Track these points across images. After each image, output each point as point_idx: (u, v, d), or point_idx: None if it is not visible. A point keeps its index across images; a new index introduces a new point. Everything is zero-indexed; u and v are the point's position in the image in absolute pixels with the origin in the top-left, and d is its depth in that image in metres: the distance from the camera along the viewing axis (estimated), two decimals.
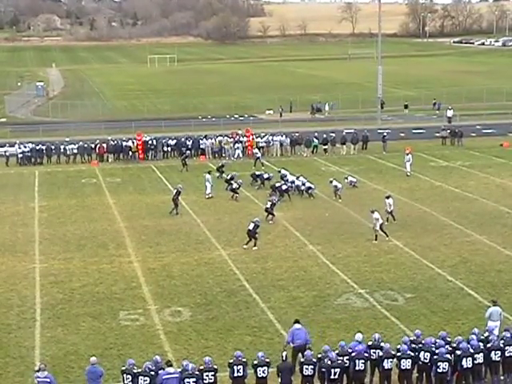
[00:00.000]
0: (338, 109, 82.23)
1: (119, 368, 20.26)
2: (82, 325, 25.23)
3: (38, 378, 19.26)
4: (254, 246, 32.93)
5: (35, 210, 41.00)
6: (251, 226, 32.98)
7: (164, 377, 19.20)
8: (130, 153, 55.16)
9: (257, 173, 46.15)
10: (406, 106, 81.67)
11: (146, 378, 19.22)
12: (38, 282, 29.50)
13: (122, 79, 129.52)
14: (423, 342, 20.65)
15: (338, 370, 19.74)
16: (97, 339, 24.09)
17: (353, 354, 20.20)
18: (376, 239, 33.69)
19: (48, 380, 19.23)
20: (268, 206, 37.33)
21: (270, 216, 37.27)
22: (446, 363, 19.97)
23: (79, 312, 26.34)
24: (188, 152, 53.86)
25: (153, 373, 19.33)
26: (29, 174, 50.77)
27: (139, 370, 19.37)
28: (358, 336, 21.09)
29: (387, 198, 37.07)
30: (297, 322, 22.08)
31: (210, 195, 42.65)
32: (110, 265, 31.39)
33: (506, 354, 20.65)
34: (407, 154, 48.09)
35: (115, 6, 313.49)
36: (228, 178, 44.05)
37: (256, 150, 53.43)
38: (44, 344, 23.77)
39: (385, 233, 34.07)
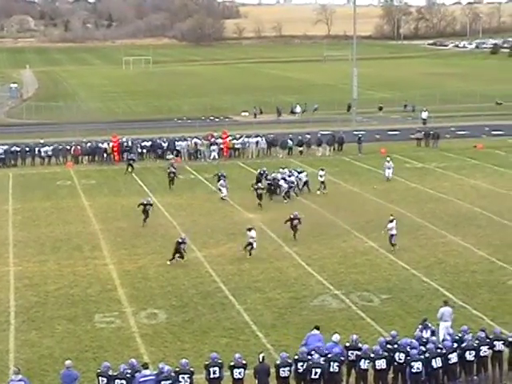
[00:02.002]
0: (316, 110, 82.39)
1: (94, 371, 20.12)
2: (57, 328, 25.06)
3: (12, 381, 19.06)
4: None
5: (9, 212, 40.68)
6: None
7: (140, 379, 19.10)
8: (105, 154, 54.92)
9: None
10: (380, 108, 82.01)
11: (123, 381, 19.12)
12: (12, 284, 29.25)
13: (97, 81, 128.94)
14: (398, 342, 20.73)
15: (318, 370, 19.76)
16: (72, 342, 23.94)
17: (329, 356, 20.23)
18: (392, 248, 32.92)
19: (22, 383, 19.02)
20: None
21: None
22: (420, 363, 20.06)
23: (54, 315, 26.15)
24: (133, 155, 52.79)
25: (129, 375, 19.24)
26: (3, 176, 50.35)
27: (115, 373, 19.27)
28: (335, 337, 21.12)
29: (391, 221, 33.27)
30: (316, 328, 21.88)
31: (226, 197, 42.16)
32: (85, 267, 31.21)
33: (481, 354, 20.79)
34: (388, 161, 47.24)
35: (90, 8, 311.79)
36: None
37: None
38: (18, 347, 23.57)
39: (392, 244, 33.02)
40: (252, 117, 79.32)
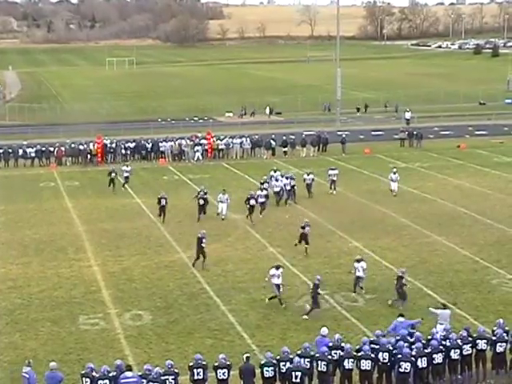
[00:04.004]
0: (296, 111, 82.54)
1: (79, 373, 20.06)
2: (41, 330, 24.96)
3: (22, 372, 19.77)
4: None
5: None
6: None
7: (122, 381, 19.08)
8: (89, 156, 54.75)
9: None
10: (358, 109, 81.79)
11: (106, 381, 19.09)
12: None
13: (81, 82, 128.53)
14: (379, 342, 20.80)
15: (299, 373, 19.76)
16: (56, 344, 23.85)
17: (317, 355, 20.26)
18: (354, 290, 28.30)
19: (27, 376, 19.47)
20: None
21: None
22: (409, 363, 20.12)
23: (38, 317, 26.05)
24: (114, 170, 45.56)
25: (111, 374, 19.20)
26: None
27: (98, 375, 19.24)
28: (324, 330, 21.32)
29: (358, 261, 28.35)
30: (401, 315, 22.83)
31: (223, 217, 38.35)
32: (69, 269, 31.10)
33: (464, 353, 20.88)
34: (394, 173, 43.38)
35: (73, 9, 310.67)
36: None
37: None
38: (2, 350, 23.45)
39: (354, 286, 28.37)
40: (238, 117, 79.60)
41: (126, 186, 45.62)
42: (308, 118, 76.31)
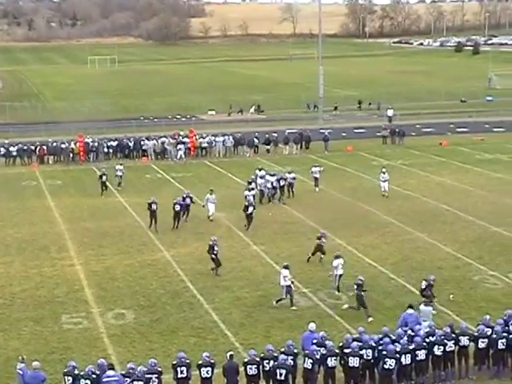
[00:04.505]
0: (279, 109, 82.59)
1: (62, 372, 19.98)
2: (24, 329, 24.86)
3: (16, 368, 19.86)
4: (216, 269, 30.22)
5: None
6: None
7: (104, 380, 19.03)
8: (71, 154, 54.53)
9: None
10: (335, 108, 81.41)
11: (87, 381, 19.04)
12: None
13: (62, 80, 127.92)
14: (362, 339, 20.87)
15: (283, 371, 19.78)
16: (39, 344, 23.76)
17: (306, 352, 20.30)
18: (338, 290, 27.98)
19: (21, 372, 19.56)
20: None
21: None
22: (394, 360, 20.20)
23: (20, 317, 25.93)
24: (104, 172, 44.26)
25: (94, 376, 19.16)
26: None
27: (81, 373, 19.20)
28: (312, 326, 21.47)
29: (336, 257, 28.29)
30: (410, 307, 22.83)
31: (211, 218, 37.87)
32: (51, 268, 30.98)
33: (447, 349, 21.00)
34: (384, 173, 42.75)
35: (54, 6, 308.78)
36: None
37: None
38: None
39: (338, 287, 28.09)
40: (226, 115, 79.83)
41: (121, 185, 45.34)
42: (291, 116, 76.35)
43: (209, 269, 30.11)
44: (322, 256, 30.81)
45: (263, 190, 41.57)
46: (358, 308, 25.69)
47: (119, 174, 45.53)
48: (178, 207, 36.36)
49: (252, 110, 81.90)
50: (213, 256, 29.77)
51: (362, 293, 25.58)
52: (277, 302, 26.61)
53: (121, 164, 46.92)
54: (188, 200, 37.66)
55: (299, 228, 36.33)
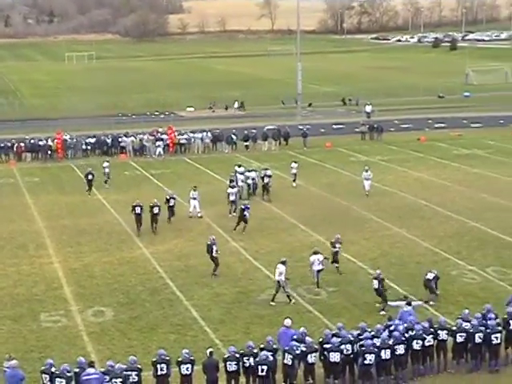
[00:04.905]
0: (258, 105, 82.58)
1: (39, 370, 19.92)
2: (2, 328, 24.74)
3: (4, 366, 19.72)
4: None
5: None
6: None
7: (84, 377, 18.99)
8: (49, 152, 54.22)
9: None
10: (309, 104, 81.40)
11: (62, 380, 18.99)
12: None
13: (40, 77, 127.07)
14: (341, 334, 20.95)
15: (265, 367, 19.81)
16: (17, 342, 23.65)
17: (286, 348, 20.33)
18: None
19: (6, 370, 19.53)
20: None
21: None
22: (373, 355, 20.30)
23: None
24: (91, 171, 43.54)
25: (69, 374, 19.10)
26: None
27: (56, 372, 19.13)
28: (287, 322, 21.53)
29: (315, 253, 28.46)
30: (408, 304, 23.37)
31: (200, 214, 37.64)
32: (29, 266, 30.83)
33: (425, 344, 21.13)
34: (366, 171, 42.01)
35: (30, 3, 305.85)
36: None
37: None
38: None
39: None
40: (211, 111, 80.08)
41: (108, 181, 44.96)
42: (269, 112, 76.34)
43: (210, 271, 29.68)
44: (337, 265, 29.46)
45: (243, 186, 41.52)
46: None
47: (107, 170, 45.11)
48: (156, 210, 34.99)
49: (236, 105, 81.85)
50: (212, 256, 29.37)
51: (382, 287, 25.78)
52: (272, 300, 26.51)
53: (107, 161, 46.69)
54: (172, 201, 36.69)
55: (278, 224, 36.38)
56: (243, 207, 35.12)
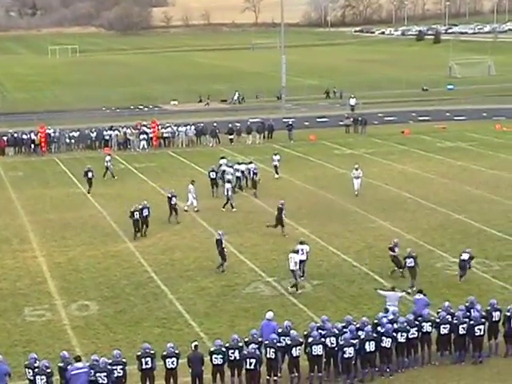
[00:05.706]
0: (247, 98, 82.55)
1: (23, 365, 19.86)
2: None
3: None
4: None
5: None
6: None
7: (72, 372, 18.94)
8: (33, 146, 53.96)
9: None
10: (278, 98, 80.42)
11: (43, 377, 18.91)
12: None
13: (23, 71, 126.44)
14: (325, 327, 21.00)
15: (253, 360, 19.84)
16: (1, 337, 23.57)
17: (266, 343, 20.35)
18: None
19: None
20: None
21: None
22: (352, 348, 20.36)
23: None
24: (90, 169, 42.21)
25: (49, 370, 19.00)
26: None
27: (35, 369, 19.03)
28: (269, 314, 21.57)
29: (301, 243, 28.34)
30: (420, 291, 23.66)
31: (196, 209, 37.50)
32: (13, 260, 30.72)
33: (409, 336, 21.21)
34: (356, 169, 40.35)
35: None
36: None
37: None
38: None
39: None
40: (204, 105, 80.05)
41: (106, 175, 44.65)
42: (253, 106, 76.30)
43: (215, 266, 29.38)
44: (396, 269, 28.40)
45: (230, 179, 41.29)
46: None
47: (109, 164, 44.81)
48: (146, 211, 33.65)
49: (235, 97, 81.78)
50: (220, 250, 29.00)
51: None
52: (292, 286, 26.76)
53: (109, 154, 46.54)
54: (174, 200, 35.57)
55: (262, 217, 36.34)
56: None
